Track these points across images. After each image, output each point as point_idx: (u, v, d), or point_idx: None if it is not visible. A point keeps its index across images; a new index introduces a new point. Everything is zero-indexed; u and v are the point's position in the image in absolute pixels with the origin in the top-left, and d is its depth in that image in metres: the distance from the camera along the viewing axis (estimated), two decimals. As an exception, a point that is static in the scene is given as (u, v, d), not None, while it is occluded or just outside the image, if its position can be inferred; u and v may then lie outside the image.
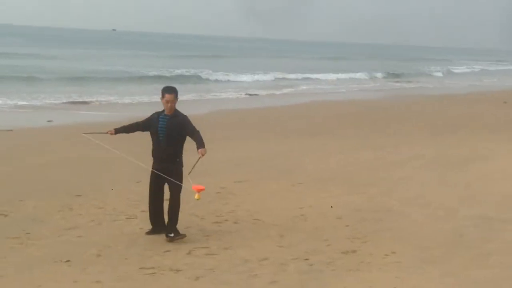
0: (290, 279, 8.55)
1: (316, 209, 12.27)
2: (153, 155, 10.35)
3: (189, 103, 31.14)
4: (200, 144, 9.94)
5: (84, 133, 10.95)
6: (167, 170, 10.16)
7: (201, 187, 9.95)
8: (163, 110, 10.22)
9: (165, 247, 9.83)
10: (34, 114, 27.63)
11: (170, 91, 10.17)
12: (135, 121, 10.77)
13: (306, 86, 49.47)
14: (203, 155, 9.89)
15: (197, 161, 10.07)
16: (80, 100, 33.35)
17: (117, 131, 10.55)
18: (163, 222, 10.42)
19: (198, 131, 10.08)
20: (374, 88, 50.88)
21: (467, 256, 9.45)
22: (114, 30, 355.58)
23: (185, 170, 10.28)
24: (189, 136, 10.15)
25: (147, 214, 11.63)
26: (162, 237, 10.28)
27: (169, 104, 10.11)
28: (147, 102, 32.42)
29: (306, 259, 9.31)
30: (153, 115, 10.35)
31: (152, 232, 10.45)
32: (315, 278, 8.56)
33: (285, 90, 44.88)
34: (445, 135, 22.72)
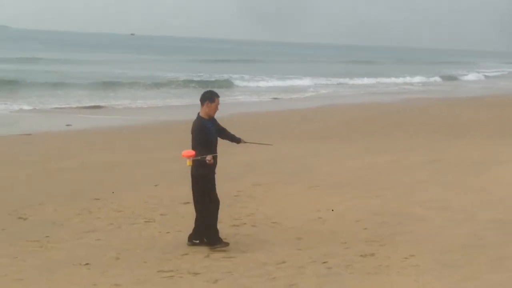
0: (308, 282, 8.55)
1: (333, 212, 12.26)
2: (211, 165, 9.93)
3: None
4: (235, 137, 10.34)
5: (245, 141, 10.70)
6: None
7: (192, 153, 9.68)
8: (201, 117, 9.93)
9: (183, 250, 9.87)
10: (53, 118, 27.80)
11: (219, 95, 10.10)
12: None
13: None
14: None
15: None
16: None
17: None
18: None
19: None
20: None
21: (486, 260, 9.39)
22: (132, 34, 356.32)
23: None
24: (221, 134, 10.24)
25: (165, 217, 11.73)
26: (179, 240, 10.33)
27: (217, 109, 10.01)
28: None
29: (324, 262, 9.31)
30: (204, 125, 9.92)
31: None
32: (333, 281, 8.56)
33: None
34: (461, 139, 22.62)
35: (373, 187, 14.31)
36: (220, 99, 10.07)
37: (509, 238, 10.52)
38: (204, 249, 9.91)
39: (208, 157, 9.61)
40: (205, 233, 10.05)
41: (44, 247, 9.97)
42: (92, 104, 33.47)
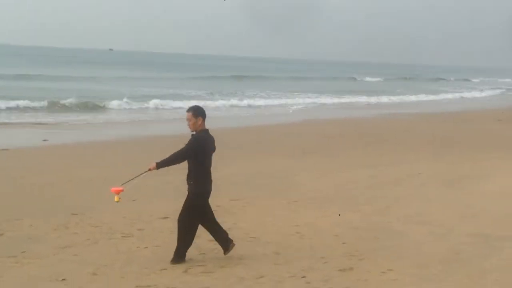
0: (287, 297, 8.51)
1: (312, 227, 12.24)
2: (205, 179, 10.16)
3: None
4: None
5: (124, 183, 10.10)
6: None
7: (120, 188, 9.79)
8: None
9: (161, 265, 9.79)
10: (29, 133, 27.62)
11: (187, 110, 10.04)
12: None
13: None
14: (150, 169, 9.86)
15: (140, 174, 9.98)
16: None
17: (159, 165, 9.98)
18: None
19: (179, 151, 9.86)
20: None
21: (465, 274, 9.41)
22: (111, 49, 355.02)
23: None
24: None
25: (143, 232, 11.65)
26: (158, 255, 10.26)
27: (187, 123, 9.95)
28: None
29: (303, 277, 9.27)
30: (203, 138, 10.08)
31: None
32: (312, 296, 8.53)
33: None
34: (442, 153, 22.73)
35: (352, 202, 14.32)
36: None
37: (489, 252, 10.55)
38: (182, 264, 9.84)
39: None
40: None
41: (20, 263, 9.84)
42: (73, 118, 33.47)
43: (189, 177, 9.95)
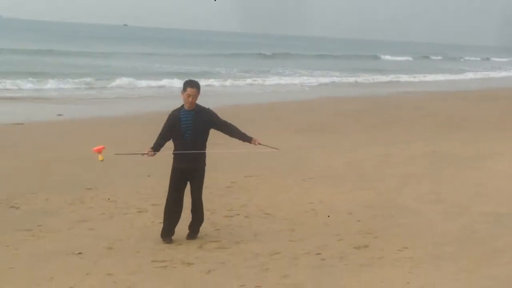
0: (302, 273, 8.52)
1: (326, 204, 12.24)
2: (179, 156, 9.72)
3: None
4: (244, 136, 9.96)
5: (117, 153, 10.15)
6: (192, 170, 9.79)
7: (101, 146, 9.55)
8: (182, 106, 9.69)
9: (176, 240, 9.82)
10: (44, 107, 27.69)
11: (192, 85, 9.63)
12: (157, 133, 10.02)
13: None
14: (258, 143, 9.98)
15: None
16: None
17: (155, 149, 9.83)
18: (178, 221, 10.01)
19: (229, 123, 9.84)
20: None
21: (480, 253, 9.39)
22: (125, 25, 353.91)
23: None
24: (220, 130, 9.85)
25: (158, 207, 11.63)
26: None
27: (190, 99, 9.56)
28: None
29: (318, 254, 9.28)
30: (172, 114, 9.72)
31: (166, 235, 9.90)
32: (327, 272, 8.53)
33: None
34: (456, 132, 22.63)
35: (367, 179, 14.29)
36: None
37: (503, 231, 10.52)
38: (197, 240, 9.87)
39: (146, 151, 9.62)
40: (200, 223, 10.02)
41: (36, 236, 9.91)
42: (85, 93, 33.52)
43: (201, 153, 9.78)
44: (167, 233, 9.88)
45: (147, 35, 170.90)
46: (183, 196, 9.93)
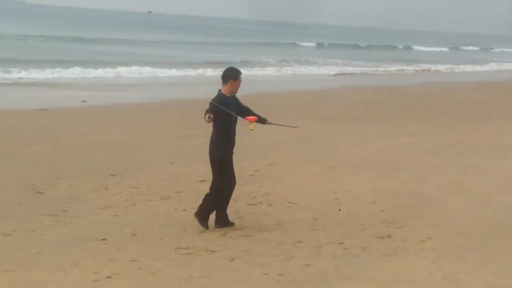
0: (325, 262, 8.51)
1: (350, 193, 12.22)
2: (229, 144, 9.95)
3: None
4: (261, 117, 10.09)
5: (271, 123, 10.45)
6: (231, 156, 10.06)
7: (255, 117, 9.85)
8: (221, 93, 9.76)
9: (200, 228, 9.84)
10: (68, 93, 27.88)
11: (240, 73, 9.89)
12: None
13: None
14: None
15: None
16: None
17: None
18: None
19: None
20: None
21: (504, 244, 9.31)
22: (149, 12, 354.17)
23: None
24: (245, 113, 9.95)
25: (182, 195, 11.71)
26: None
27: (238, 86, 9.86)
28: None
29: (341, 243, 9.27)
30: (226, 99, 9.73)
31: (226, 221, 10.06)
32: (350, 262, 8.51)
33: None
34: (482, 123, 22.47)
35: (391, 169, 14.23)
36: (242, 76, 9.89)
37: (527, 222, 10.44)
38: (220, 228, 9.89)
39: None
40: (210, 210, 10.00)
41: (61, 222, 10.00)
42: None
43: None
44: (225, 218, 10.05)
45: (175, 22, 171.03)
46: None
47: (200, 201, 10.97)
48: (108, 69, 38.47)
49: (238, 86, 9.84)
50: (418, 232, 9.78)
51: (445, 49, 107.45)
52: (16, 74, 33.77)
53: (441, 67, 60.45)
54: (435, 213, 10.98)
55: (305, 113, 23.78)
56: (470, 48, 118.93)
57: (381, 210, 11.08)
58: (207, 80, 35.38)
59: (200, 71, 41.93)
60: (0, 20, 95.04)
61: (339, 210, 11.23)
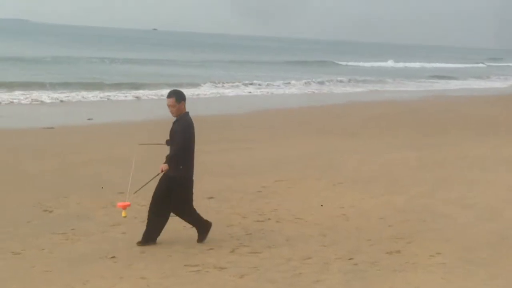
0: (335, 278, 8.51)
1: (357, 208, 12.22)
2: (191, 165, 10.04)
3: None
4: (167, 158, 9.78)
5: (141, 143, 10.56)
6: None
7: (127, 203, 9.83)
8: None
9: (208, 245, 9.85)
10: (74, 111, 27.97)
11: (168, 95, 9.86)
12: None
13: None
14: (162, 171, 9.78)
15: (153, 177, 10.00)
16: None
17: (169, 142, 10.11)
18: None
19: (177, 144, 9.75)
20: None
21: (512, 258, 9.33)
22: (155, 29, 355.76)
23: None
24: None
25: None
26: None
27: (169, 109, 9.84)
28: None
29: (350, 259, 9.26)
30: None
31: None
32: (360, 277, 8.51)
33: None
34: (488, 136, 22.48)
35: (398, 184, 14.25)
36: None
37: (536, 237, 10.42)
38: (229, 244, 9.89)
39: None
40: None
41: (70, 240, 10.00)
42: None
43: (179, 163, 9.77)
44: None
45: (183, 40, 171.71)
46: None
47: (207, 218, 11.03)
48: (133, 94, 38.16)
49: (171, 109, 9.83)
50: (427, 247, 9.77)
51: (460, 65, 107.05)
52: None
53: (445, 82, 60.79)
54: (443, 227, 10.98)
55: (310, 128, 23.82)
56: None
57: (389, 225, 11.08)
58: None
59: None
60: (4, 39, 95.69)
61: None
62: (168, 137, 9.92)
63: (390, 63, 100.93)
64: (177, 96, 9.79)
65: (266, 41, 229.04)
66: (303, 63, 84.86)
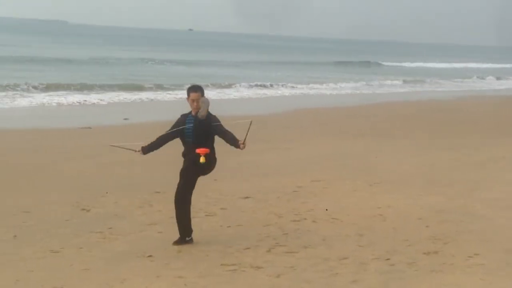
0: (372, 278, 8.46)
1: (394, 209, 12.13)
2: (184, 156, 9.95)
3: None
4: (235, 140, 9.55)
5: (112, 145, 10.57)
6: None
7: (207, 149, 9.61)
8: (190, 112, 9.77)
9: (245, 244, 9.85)
10: (110, 112, 28.21)
11: (196, 90, 9.67)
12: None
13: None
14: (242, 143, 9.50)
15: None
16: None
17: (145, 150, 10.30)
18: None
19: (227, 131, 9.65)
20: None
21: (553, 260, 9.20)
22: (190, 30, 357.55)
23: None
24: (219, 136, 9.72)
25: (226, 211, 11.78)
26: (241, 234, 10.36)
27: (195, 104, 9.61)
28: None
29: (387, 259, 9.21)
30: (181, 118, 9.86)
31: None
32: (397, 278, 8.45)
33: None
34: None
35: (435, 184, 14.13)
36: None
37: None
38: (265, 244, 9.87)
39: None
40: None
41: (107, 239, 10.08)
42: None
43: (212, 155, 9.78)
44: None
45: (221, 41, 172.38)
46: None
47: (244, 218, 11.06)
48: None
49: (191, 104, 9.67)
50: (465, 248, 9.68)
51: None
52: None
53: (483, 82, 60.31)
54: (481, 228, 10.86)
55: (345, 128, 23.76)
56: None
57: (427, 226, 10.99)
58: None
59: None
60: (43, 40, 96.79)
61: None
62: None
63: (436, 64, 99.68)
64: (202, 91, 9.74)
65: (296, 41, 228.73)
66: (346, 64, 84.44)
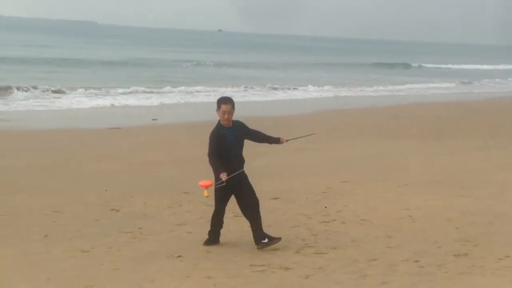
0: (401, 280, 8.44)
1: (423, 210, 12.08)
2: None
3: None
4: (273, 138, 9.97)
5: (288, 139, 10.14)
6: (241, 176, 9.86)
7: (209, 182, 9.55)
8: (219, 124, 9.63)
9: (273, 245, 9.86)
10: (139, 113, 28.38)
11: (226, 102, 9.53)
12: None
13: None
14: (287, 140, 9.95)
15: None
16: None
17: (226, 174, 9.52)
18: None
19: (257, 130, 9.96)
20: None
21: None
22: (220, 30, 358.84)
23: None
24: (251, 139, 9.91)
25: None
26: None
27: (226, 116, 9.50)
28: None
29: (416, 261, 9.17)
30: (216, 133, 9.62)
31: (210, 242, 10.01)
32: (427, 280, 8.42)
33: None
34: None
35: (463, 185, 14.05)
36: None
37: None
38: (294, 245, 9.89)
39: (224, 177, 9.37)
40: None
41: (137, 239, 10.14)
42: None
43: (243, 161, 9.89)
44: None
45: (251, 41, 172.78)
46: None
47: (273, 218, 11.06)
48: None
49: (222, 116, 9.53)
50: (495, 250, 9.62)
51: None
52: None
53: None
54: (511, 230, 10.77)
55: (373, 129, 23.68)
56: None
57: (456, 228, 10.93)
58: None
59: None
60: (75, 40, 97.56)
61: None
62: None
63: (479, 65, 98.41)
64: (233, 103, 9.66)
65: (320, 41, 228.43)
66: (382, 65, 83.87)
